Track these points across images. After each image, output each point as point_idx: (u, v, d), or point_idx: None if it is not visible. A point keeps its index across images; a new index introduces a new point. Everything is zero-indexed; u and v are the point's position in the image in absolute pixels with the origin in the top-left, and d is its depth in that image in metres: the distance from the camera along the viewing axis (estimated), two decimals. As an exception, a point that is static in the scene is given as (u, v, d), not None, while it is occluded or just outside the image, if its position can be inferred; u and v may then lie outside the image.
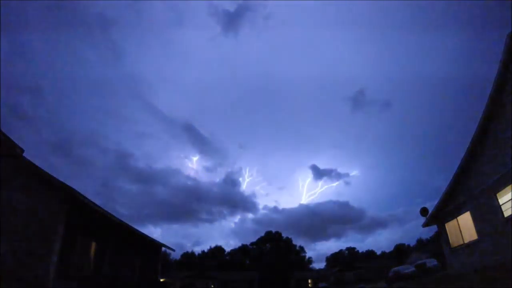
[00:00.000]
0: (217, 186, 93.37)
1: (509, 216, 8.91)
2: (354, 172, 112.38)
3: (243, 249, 63.01)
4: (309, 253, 67.84)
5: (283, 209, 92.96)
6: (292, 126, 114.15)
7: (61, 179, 8.46)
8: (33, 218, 8.00)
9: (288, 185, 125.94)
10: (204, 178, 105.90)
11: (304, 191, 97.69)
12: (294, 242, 63.70)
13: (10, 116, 64.29)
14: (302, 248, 65.19)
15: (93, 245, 10.04)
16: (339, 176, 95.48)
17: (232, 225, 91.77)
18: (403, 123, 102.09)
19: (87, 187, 69.70)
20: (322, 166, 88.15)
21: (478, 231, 10.51)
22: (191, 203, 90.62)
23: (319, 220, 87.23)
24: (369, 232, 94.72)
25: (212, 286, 46.89)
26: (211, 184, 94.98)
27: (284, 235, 63.41)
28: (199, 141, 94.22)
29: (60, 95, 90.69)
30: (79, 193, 8.51)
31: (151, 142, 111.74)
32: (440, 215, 13.00)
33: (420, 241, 54.78)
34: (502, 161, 9.20)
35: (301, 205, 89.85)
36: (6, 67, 64.19)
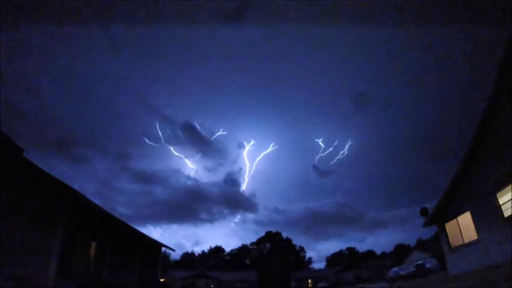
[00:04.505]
0: (217, 186, 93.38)
1: (509, 216, 8.91)
2: (354, 172, 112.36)
3: (243, 249, 63.12)
4: (309, 253, 67.89)
5: (283, 209, 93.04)
6: (293, 125, 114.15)
7: (61, 179, 8.46)
8: (33, 218, 8.01)
9: (288, 185, 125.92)
10: (204, 178, 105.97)
11: (305, 191, 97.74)
12: (294, 242, 63.83)
13: (9, 115, 64.23)
14: (302, 248, 65.31)
15: (93, 245, 10.04)
16: (339, 176, 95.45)
17: (232, 225, 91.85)
18: (403, 123, 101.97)
19: (87, 187, 69.76)
20: (322, 166, 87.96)
21: (478, 231, 10.51)
22: (191, 203, 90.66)
23: (319, 220, 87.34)
24: (369, 232, 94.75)
25: (212, 286, 46.90)
26: (211, 184, 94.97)
27: (284, 235, 63.58)
28: (199, 141, 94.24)
29: (60, 94, 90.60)
30: (79, 193, 8.51)
31: (151, 141, 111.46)
32: (440, 215, 13.00)
33: (420, 241, 54.78)
34: (502, 161, 9.19)
35: (301, 205, 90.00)
36: (5, 65, 64.05)
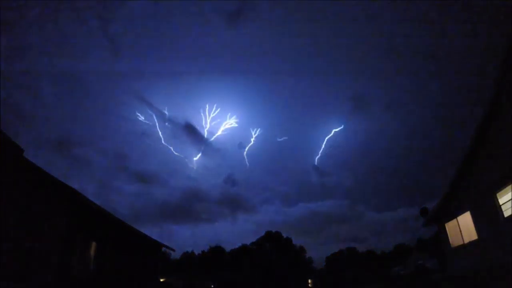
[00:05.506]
0: (217, 186, 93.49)
1: (509, 216, 8.90)
2: (354, 172, 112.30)
3: (243, 249, 63.00)
4: (309, 253, 67.77)
5: (283, 209, 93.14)
6: (293, 125, 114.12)
7: (61, 179, 8.46)
8: (33, 218, 8.01)
9: (289, 185, 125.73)
10: (204, 178, 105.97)
11: (304, 191, 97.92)
12: (294, 242, 63.80)
13: (9, 115, 64.25)
14: (302, 248, 65.22)
15: (93, 245, 10.03)
16: (339, 176, 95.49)
17: (232, 225, 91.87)
18: (403, 123, 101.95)
19: (86, 187, 69.68)
20: (323, 167, 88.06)
21: (478, 231, 10.50)
22: (191, 203, 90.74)
23: (319, 220, 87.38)
24: (369, 231, 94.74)
25: (212, 286, 46.90)
26: (211, 184, 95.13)
27: (284, 235, 63.55)
28: (199, 141, 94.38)
29: (60, 94, 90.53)
30: (79, 193, 8.51)
31: (151, 142, 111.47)
32: (440, 215, 12.99)
33: (420, 241, 54.67)
34: (502, 161, 9.19)
35: (301, 205, 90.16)
36: (5, 66, 64.01)
